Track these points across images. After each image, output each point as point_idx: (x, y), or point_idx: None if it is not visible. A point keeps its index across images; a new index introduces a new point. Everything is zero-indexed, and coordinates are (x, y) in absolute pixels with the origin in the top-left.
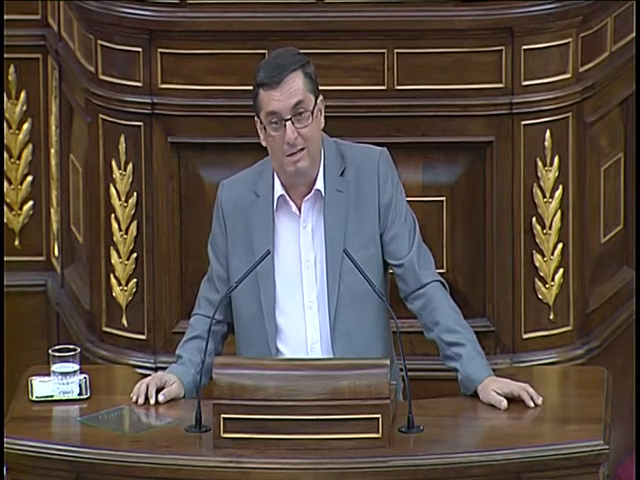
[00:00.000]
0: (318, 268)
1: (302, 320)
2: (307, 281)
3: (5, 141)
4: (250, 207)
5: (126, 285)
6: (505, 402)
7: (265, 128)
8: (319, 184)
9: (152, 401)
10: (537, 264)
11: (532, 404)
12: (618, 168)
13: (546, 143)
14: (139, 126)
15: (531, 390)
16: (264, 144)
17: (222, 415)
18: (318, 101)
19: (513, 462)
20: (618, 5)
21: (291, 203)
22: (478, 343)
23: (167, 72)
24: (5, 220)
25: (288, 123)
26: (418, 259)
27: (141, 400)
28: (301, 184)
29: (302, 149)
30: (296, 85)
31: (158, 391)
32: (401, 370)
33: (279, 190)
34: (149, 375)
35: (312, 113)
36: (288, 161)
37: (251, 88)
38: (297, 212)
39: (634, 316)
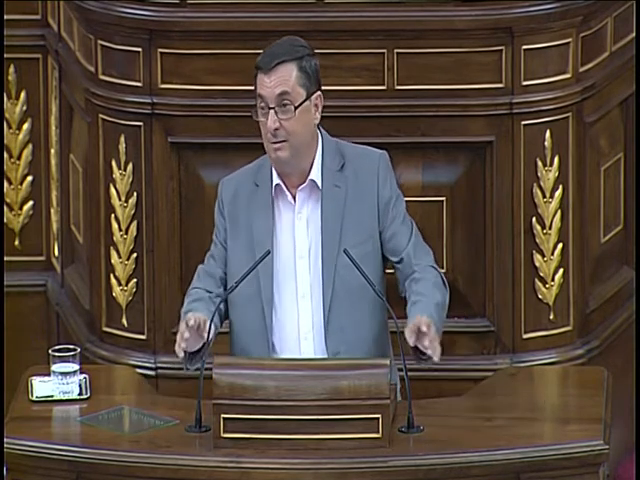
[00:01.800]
0: (312, 259)
1: (295, 309)
2: (301, 270)
3: (5, 141)
4: (250, 195)
5: (126, 285)
6: (412, 340)
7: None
8: (314, 174)
9: (186, 335)
10: (537, 264)
11: (429, 351)
12: (618, 168)
13: (546, 143)
14: (139, 126)
15: (433, 345)
16: None
17: (222, 415)
18: (312, 97)
19: (513, 462)
20: (618, 5)
21: (287, 192)
22: (445, 307)
23: (167, 72)
24: (5, 220)
25: (271, 112)
26: (415, 250)
27: (184, 344)
28: (290, 173)
29: (284, 141)
30: (286, 76)
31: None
32: (400, 370)
33: (276, 179)
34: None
35: (297, 107)
36: (271, 147)
37: (251, 88)
38: (292, 201)
39: (634, 316)
